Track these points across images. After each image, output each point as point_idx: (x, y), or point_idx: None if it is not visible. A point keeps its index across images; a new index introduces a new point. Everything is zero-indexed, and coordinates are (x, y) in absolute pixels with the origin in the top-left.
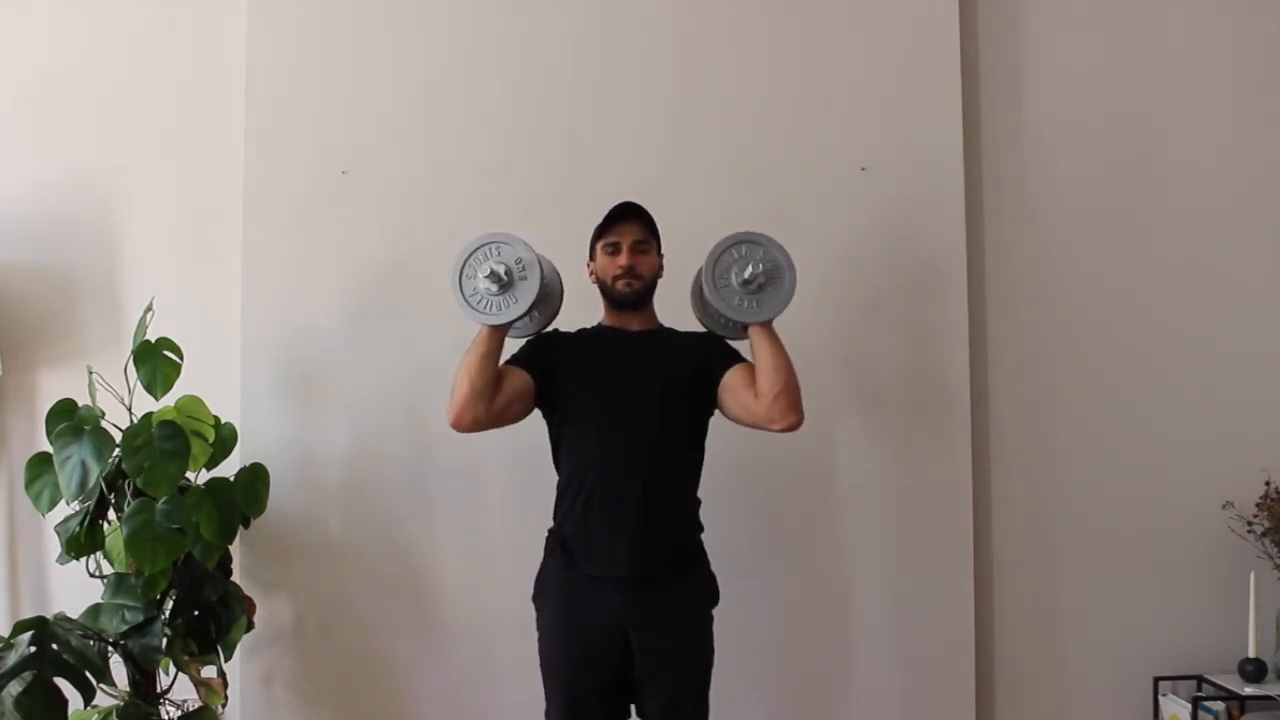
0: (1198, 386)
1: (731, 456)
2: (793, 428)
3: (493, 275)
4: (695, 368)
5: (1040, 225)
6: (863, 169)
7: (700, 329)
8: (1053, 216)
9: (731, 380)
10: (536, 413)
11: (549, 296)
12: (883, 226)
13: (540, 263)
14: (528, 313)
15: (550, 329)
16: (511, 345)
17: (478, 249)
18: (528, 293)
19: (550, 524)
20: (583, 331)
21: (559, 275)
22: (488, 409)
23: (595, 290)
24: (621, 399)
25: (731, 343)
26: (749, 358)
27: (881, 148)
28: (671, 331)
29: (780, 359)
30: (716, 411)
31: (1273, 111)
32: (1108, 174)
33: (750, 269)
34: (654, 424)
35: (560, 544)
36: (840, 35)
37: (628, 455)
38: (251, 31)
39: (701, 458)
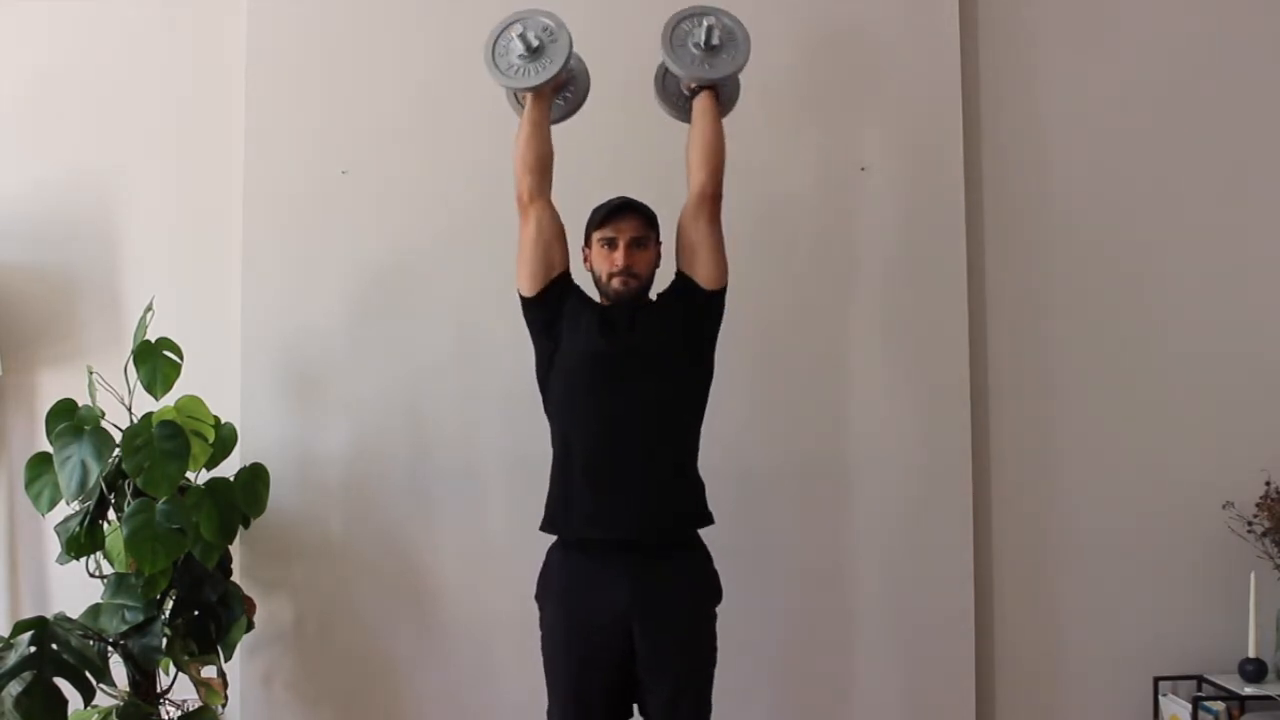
0: (1198, 386)
1: (732, 457)
2: (719, 187)
3: (523, 40)
4: (681, 310)
5: (1040, 225)
6: (862, 169)
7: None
8: (1052, 217)
9: (680, 257)
10: (534, 411)
11: (577, 77)
12: (883, 226)
13: (568, 30)
14: (558, 90)
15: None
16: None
17: (505, 28)
18: (559, 54)
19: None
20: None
21: (586, 66)
22: (541, 187)
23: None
24: (623, 361)
25: None
26: None
27: (881, 148)
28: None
29: (719, 128)
30: (708, 421)
31: (1275, 110)
32: (1107, 173)
33: (705, 29)
34: (655, 384)
35: (558, 507)
36: (840, 35)
37: (629, 416)
38: (251, 31)
39: (700, 421)
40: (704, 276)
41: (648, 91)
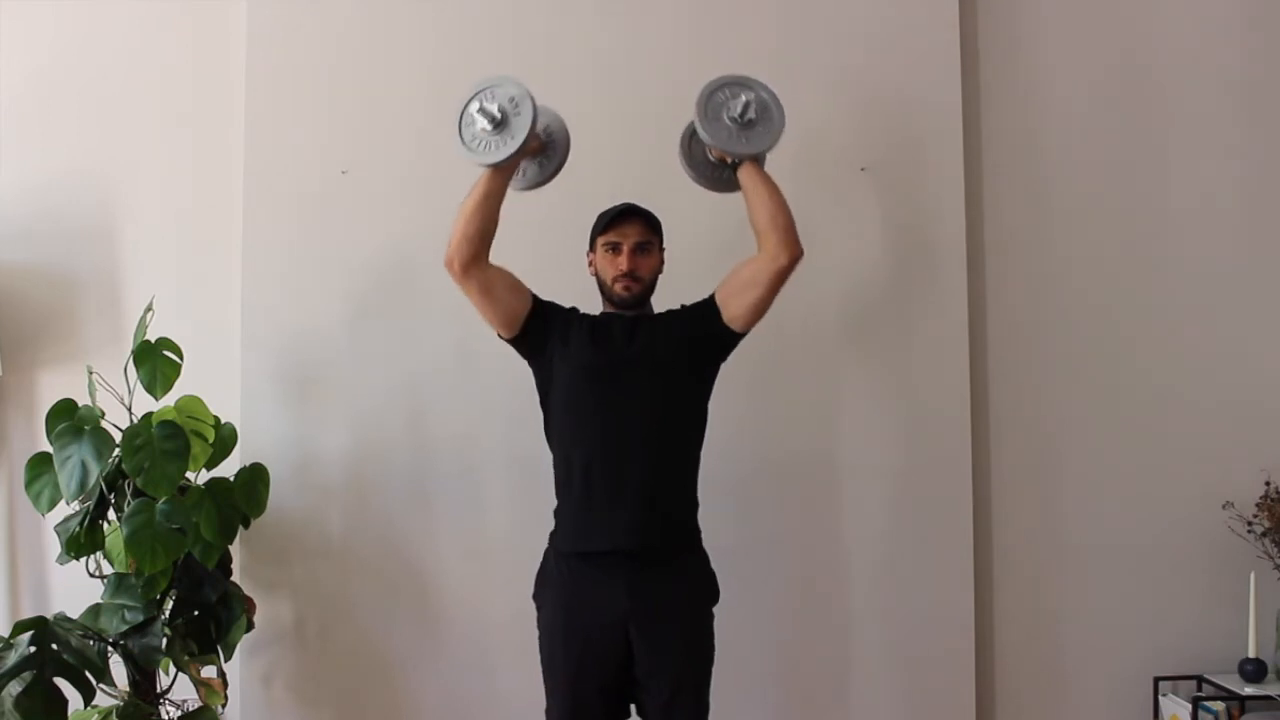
0: (1198, 386)
1: (732, 457)
2: (796, 259)
3: (485, 113)
4: (692, 320)
5: (1040, 225)
6: (863, 169)
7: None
8: (1053, 216)
9: (726, 287)
10: (533, 411)
11: (554, 143)
12: (883, 226)
13: (534, 102)
14: (532, 156)
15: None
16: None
17: (473, 96)
18: (521, 128)
19: (550, 524)
20: (588, 314)
21: (566, 127)
22: (476, 259)
23: (594, 282)
24: (621, 369)
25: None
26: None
27: (881, 148)
28: (666, 312)
29: (774, 191)
30: (708, 421)
31: (1275, 108)
32: (1108, 173)
33: (742, 104)
34: (655, 391)
35: (560, 527)
36: (840, 35)
37: (628, 422)
38: (252, 31)
39: (704, 423)
40: (736, 318)
41: (648, 90)
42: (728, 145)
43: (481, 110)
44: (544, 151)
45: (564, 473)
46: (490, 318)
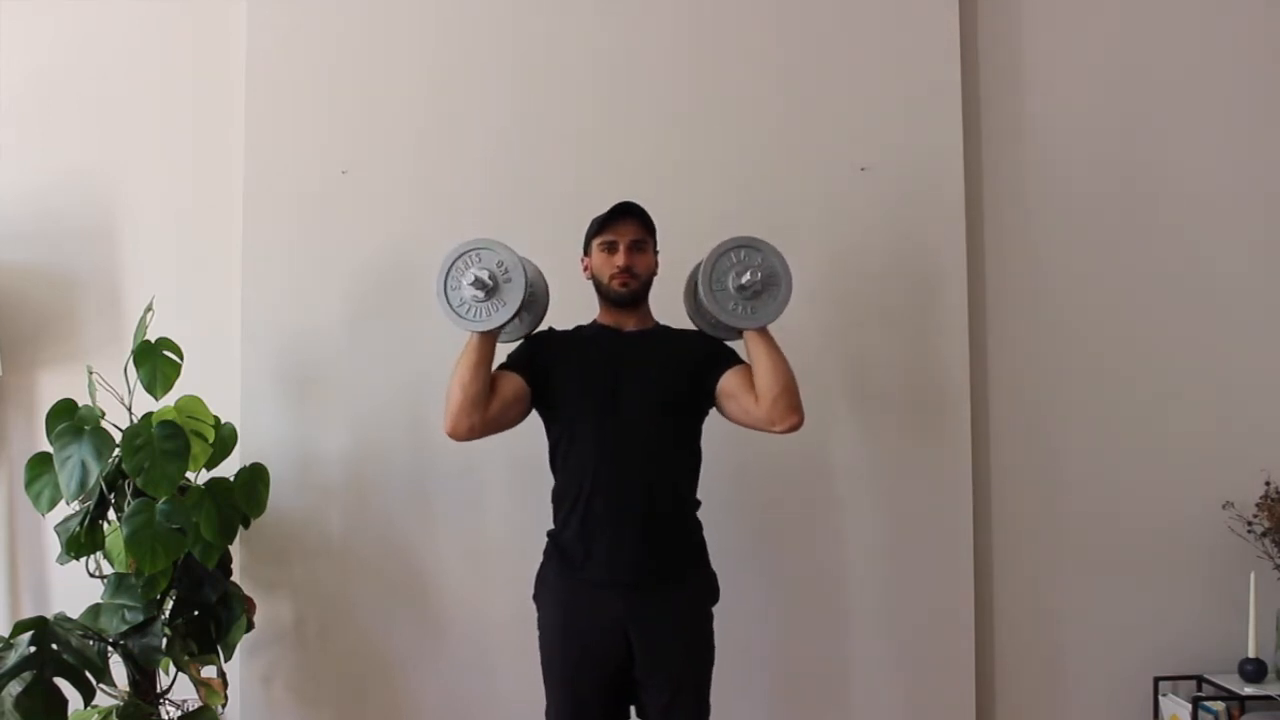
0: (1198, 386)
1: (731, 458)
2: (793, 429)
3: (477, 282)
4: (693, 370)
5: (1040, 225)
6: (863, 169)
7: (694, 329)
8: (1053, 216)
9: (729, 384)
10: (535, 413)
11: (535, 300)
12: (883, 226)
13: (523, 264)
14: (515, 315)
15: (544, 328)
16: (504, 349)
17: (458, 258)
18: (514, 295)
19: (549, 525)
20: (579, 330)
21: (543, 276)
22: (483, 417)
23: (590, 288)
24: (619, 402)
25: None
26: (744, 357)
27: (881, 148)
28: (667, 330)
29: (778, 362)
30: (708, 421)
31: (1273, 111)
32: (1108, 174)
33: (748, 275)
34: (653, 426)
35: (560, 552)
36: (840, 35)
37: (627, 459)
38: (252, 31)
39: (700, 457)
40: (719, 404)
41: (648, 90)
42: (732, 319)
43: (474, 279)
44: (525, 309)
45: (564, 503)
46: (510, 428)
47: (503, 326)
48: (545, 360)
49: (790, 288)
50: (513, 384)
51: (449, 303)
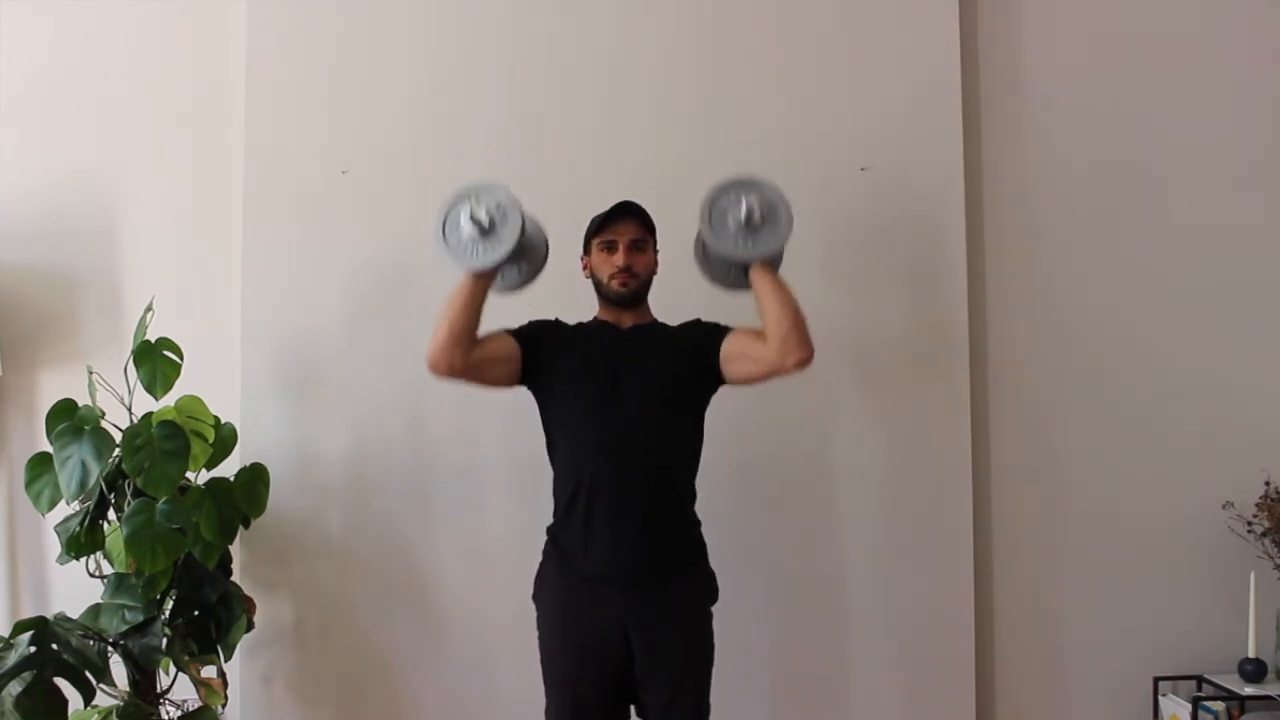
0: (1198, 386)
1: (731, 458)
2: (803, 363)
3: (474, 220)
4: (691, 351)
5: (1040, 225)
6: (863, 169)
7: (689, 319)
8: (1053, 216)
9: (732, 346)
10: (533, 411)
11: (533, 248)
12: (883, 226)
13: (521, 209)
14: (512, 261)
15: (552, 318)
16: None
17: (459, 199)
18: (509, 235)
19: (549, 523)
20: (580, 326)
21: (543, 231)
22: (465, 359)
23: (589, 287)
24: (619, 397)
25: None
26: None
27: (881, 148)
28: (664, 325)
29: (786, 298)
30: (708, 420)
31: (1273, 111)
32: (1108, 173)
33: (745, 208)
34: (653, 421)
35: (559, 549)
36: (840, 35)
37: (627, 454)
38: (252, 31)
39: (699, 452)
40: (727, 374)
41: (648, 90)
42: (734, 251)
43: (472, 217)
44: (524, 257)
45: (563, 498)
46: (491, 387)
47: (497, 267)
48: (547, 342)
49: (791, 219)
50: (505, 344)
51: (446, 243)
